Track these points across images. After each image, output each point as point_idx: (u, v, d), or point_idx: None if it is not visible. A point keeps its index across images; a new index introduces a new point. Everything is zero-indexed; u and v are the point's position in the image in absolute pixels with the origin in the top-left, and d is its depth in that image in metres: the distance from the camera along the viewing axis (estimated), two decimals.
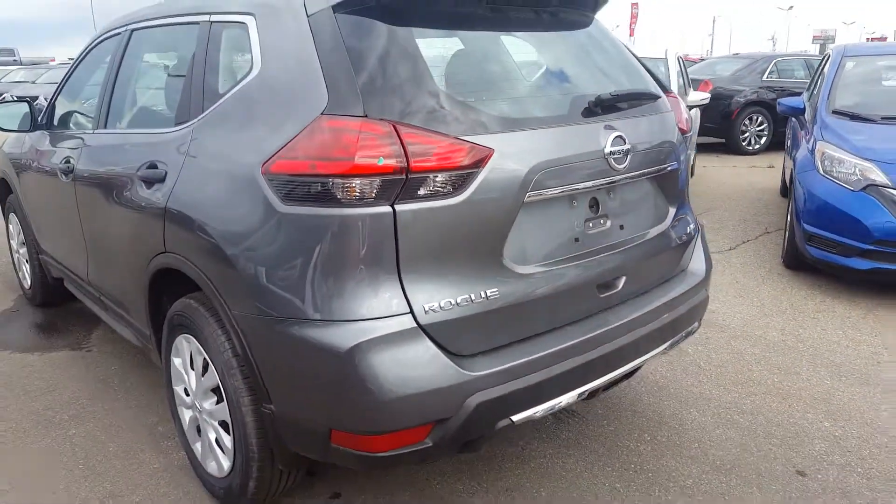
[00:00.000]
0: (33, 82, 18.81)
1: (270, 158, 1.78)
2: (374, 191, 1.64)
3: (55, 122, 3.48)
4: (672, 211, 2.43)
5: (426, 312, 1.71)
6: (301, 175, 1.70)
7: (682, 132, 2.49)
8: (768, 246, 5.45)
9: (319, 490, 2.39)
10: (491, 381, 1.77)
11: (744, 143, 10.44)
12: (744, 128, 10.41)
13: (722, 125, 10.36)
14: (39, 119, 3.52)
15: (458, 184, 1.73)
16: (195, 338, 2.14)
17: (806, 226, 4.40)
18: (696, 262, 2.58)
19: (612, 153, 2.04)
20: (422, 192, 1.69)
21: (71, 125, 3.38)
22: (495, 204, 1.79)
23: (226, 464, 2.17)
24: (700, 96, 6.69)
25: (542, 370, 1.87)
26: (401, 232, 1.67)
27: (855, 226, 4.11)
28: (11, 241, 4.40)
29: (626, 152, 2.09)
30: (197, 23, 2.36)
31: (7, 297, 4.45)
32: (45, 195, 3.48)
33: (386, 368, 1.65)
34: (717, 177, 8.71)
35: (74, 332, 3.83)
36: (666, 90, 2.59)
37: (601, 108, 2.09)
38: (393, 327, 1.67)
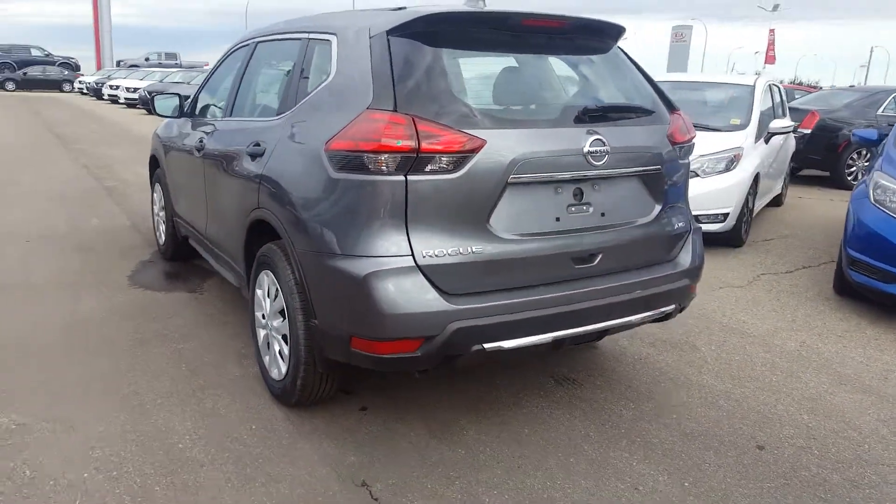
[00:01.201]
0: (188, 83, 21.14)
1: (331, 139, 2.47)
2: (394, 164, 2.29)
3: (196, 112, 4.41)
4: (657, 207, 2.90)
5: (423, 256, 2.33)
6: (348, 151, 2.38)
7: (676, 143, 2.95)
8: (827, 273, 5.57)
9: (351, 405, 3.05)
10: (468, 314, 2.36)
11: (849, 178, 10.18)
12: (850, 162, 10.16)
13: (827, 158, 10.16)
14: (185, 109, 4.47)
15: (457, 164, 2.34)
16: (272, 272, 2.87)
17: (850, 251, 4.58)
18: (684, 256, 3.03)
19: (590, 153, 2.57)
20: (428, 168, 2.32)
21: (207, 114, 4.29)
22: (484, 181, 2.39)
23: (283, 368, 2.88)
24: (781, 124, 6.83)
25: (513, 314, 2.44)
26: (410, 196, 2.31)
27: None
28: (154, 207, 5.46)
29: (605, 153, 2.61)
30: (299, 38, 3.13)
31: (146, 250, 5.51)
32: (181, 168, 4.42)
33: (389, 292, 2.29)
34: (808, 208, 8.65)
35: (192, 280, 4.77)
36: (672, 108, 3.06)
37: (588, 116, 2.64)
38: (398, 263, 2.31)
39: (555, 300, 2.55)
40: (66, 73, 35.95)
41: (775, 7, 39.95)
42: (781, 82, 11.26)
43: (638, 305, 2.80)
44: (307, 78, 2.94)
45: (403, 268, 2.32)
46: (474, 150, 2.37)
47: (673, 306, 2.96)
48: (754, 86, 7.10)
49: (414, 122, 2.31)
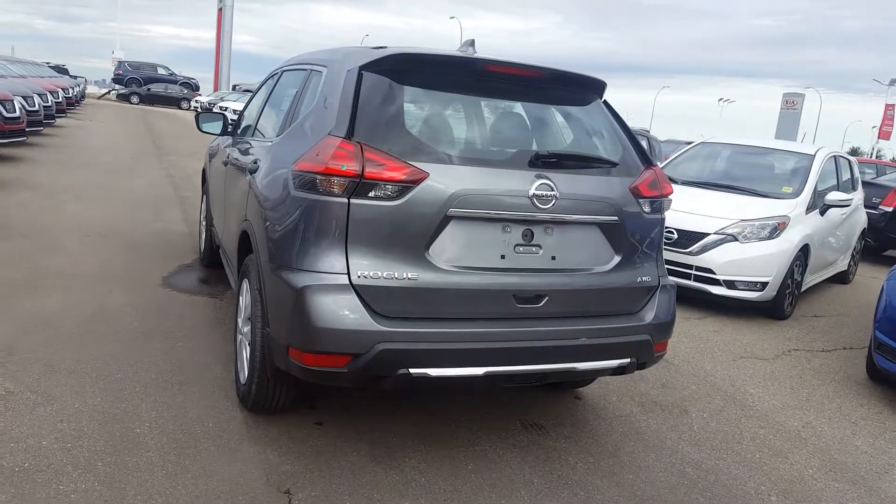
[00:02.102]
0: None
1: (297, 160, 2.64)
2: (339, 187, 2.42)
3: (238, 131, 4.75)
4: (616, 258, 2.88)
5: (359, 276, 2.43)
6: (304, 171, 2.54)
7: (642, 196, 2.93)
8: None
9: (308, 419, 3.15)
10: (397, 337, 2.43)
11: None
12: None
13: None
14: (228, 128, 4.82)
15: (399, 192, 2.45)
16: (248, 281, 3.05)
17: (878, 333, 4.29)
18: (647, 311, 2.97)
19: (536, 195, 2.61)
20: (371, 193, 2.43)
21: (242, 134, 4.62)
22: (423, 212, 2.47)
23: (246, 373, 3.03)
24: (838, 197, 6.50)
25: (444, 343, 2.48)
26: (351, 218, 2.43)
27: None
28: (200, 216, 5.85)
29: (553, 198, 2.64)
30: (305, 69, 3.36)
31: (189, 256, 5.89)
32: (216, 181, 4.76)
33: (321, 306, 2.40)
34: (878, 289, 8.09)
35: (218, 286, 5.05)
36: (648, 163, 3.05)
37: (542, 161, 2.69)
38: (333, 280, 2.42)
39: (491, 335, 2.57)
40: (186, 91, 38.87)
41: (893, 82, 37.91)
42: (879, 157, 10.64)
43: (583, 353, 2.77)
44: (301, 104, 3.15)
45: (338, 285, 2.42)
46: (416, 182, 2.47)
47: (628, 360, 2.89)
48: (814, 155, 6.82)
49: (362, 149, 2.44)
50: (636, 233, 2.95)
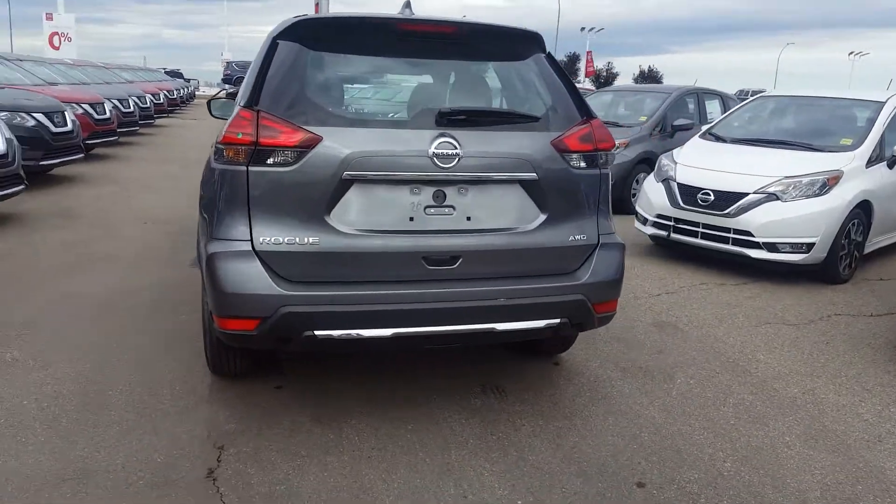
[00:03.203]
0: None
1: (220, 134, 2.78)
2: (238, 155, 2.53)
3: None
4: (542, 217, 2.80)
5: (261, 242, 2.54)
6: (217, 143, 2.67)
7: (569, 150, 2.82)
8: None
9: (270, 383, 3.32)
10: (300, 300, 2.52)
11: None
12: None
13: None
14: None
15: (294, 157, 2.52)
16: None
17: None
18: (583, 271, 2.87)
19: (436, 154, 2.58)
20: (269, 160, 2.52)
21: None
22: (319, 176, 2.53)
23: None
24: None
25: (348, 305, 2.54)
26: (251, 185, 2.53)
27: None
28: None
29: (456, 156, 2.60)
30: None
31: None
32: None
33: (228, 272, 2.53)
34: None
35: None
36: (590, 116, 2.92)
37: (448, 119, 2.65)
38: (237, 247, 2.55)
39: (398, 297, 2.59)
40: None
41: None
42: None
43: (503, 314, 2.72)
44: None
45: (242, 251, 2.54)
46: (310, 146, 2.52)
47: (558, 321, 2.81)
48: (884, 103, 6.14)
49: (258, 117, 2.53)
50: (565, 189, 2.85)
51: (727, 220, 5.57)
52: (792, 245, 5.38)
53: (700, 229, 5.78)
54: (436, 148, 2.60)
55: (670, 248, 6.32)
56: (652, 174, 6.53)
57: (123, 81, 16.33)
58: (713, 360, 3.90)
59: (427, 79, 3.12)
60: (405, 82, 3.06)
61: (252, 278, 2.52)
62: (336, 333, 2.56)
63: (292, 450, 2.75)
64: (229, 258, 2.54)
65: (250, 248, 2.54)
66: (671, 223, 5.98)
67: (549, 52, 3.07)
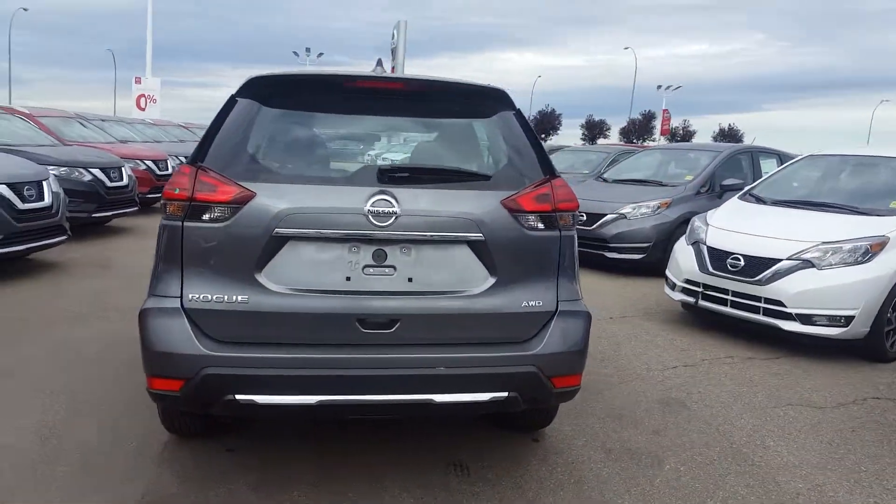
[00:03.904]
0: None
1: None
2: (176, 210, 2.52)
3: None
4: (490, 280, 2.63)
5: (190, 299, 2.49)
6: (162, 198, 2.67)
7: (522, 211, 2.67)
8: None
9: (217, 447, 3.22)
10: (222, 361, 2.43)
11: None
12: None
13: None
14: None
15: (228, 213, 2.48)
16: None
17: None
18: (537, 340, 2.66)
19: (371, 212, 2.49)
20: (205, 216, 2.50)
21: None
22: (251, 232, 2.48)
23: None
24: None
25: (272, 369, 2.43)
26: (185, 241, 2.51)
27: None
28: None
29: (393, 214, 2.50)
30: None
31: None
32: None
33: (155, 330, 2.49)
34: None
35: None
36: (553, 175, 2.77)
37: (388, 176, 2.58)
38: (167, 304, 2.51)
39: (326, 362, 2.47)
40: None
41: None
42: None
43: (442, 384, 2.54)
44: None
45: (170, 308, 2.49)
46: (243, 202, 2.48)
47: (506, 394, 2.60)
48: None
49: (197, 172, 2.52)
50: (518, 252, 2.68)
51: (758, 287, 5.17)
52: (829, 318, 4.91)
53: (729, 297, 5.39)
54: (371, 205, 2.51)
55: (702, 317, 5.93)
56: (684, 236, 6.20)
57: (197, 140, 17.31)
58: (714, 444, 3.53)
59: (375, 136, 3.07)
60: (353, 139, 3.01)
61: (177, 336, 2.47)
62: (258, 399, 2.45)
63: None
64: (157, 315, 2.50)
65: (178, 306, 2.50)
66: (700, 289, 5.62)
67: (517, 110, 2.95)
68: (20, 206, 6.13)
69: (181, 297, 2.51)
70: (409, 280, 2.58)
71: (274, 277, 2.51)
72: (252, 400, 2.45)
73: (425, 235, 2.57)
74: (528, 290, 2.69)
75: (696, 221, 6.08)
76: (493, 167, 2.80)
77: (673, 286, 5.96)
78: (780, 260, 5.12)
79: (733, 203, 6.37)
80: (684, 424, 3.78)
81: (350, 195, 2.54)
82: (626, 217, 8.24)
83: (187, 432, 3.20)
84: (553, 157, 13.61)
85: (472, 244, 2.62)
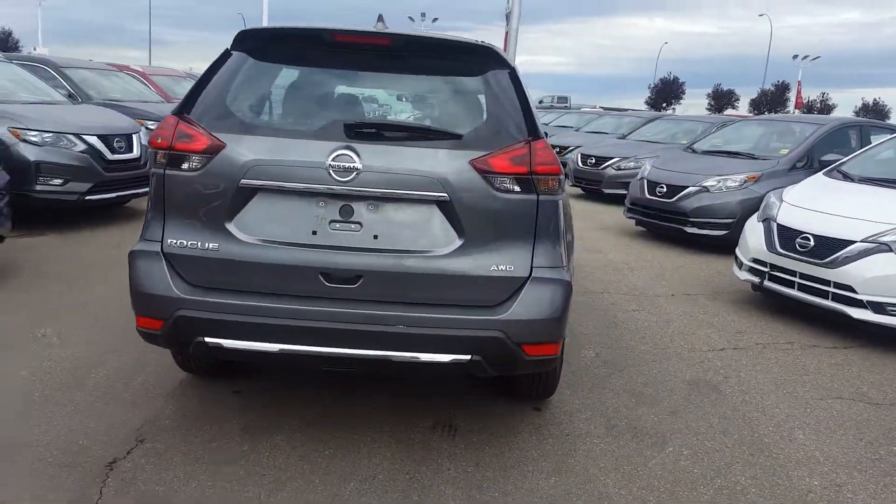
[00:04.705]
0: (576, 129, 17.18)
1: None
2: (161, 159, 2.63)
3: None
4: (458, 242, 2.56)
5: (169, 244, 2.61)
6: (149, 147, 2.79)
7: (491, 172, 2.57)
8: None
9: (226, 388, 3.38)
10: (195, 305, 2.54)
11: None
12: None
13: None
14: None
15: (202, 162, 2.56)
16: None
17: None
18: (506, 305, 2.57)
19: (332, 166, 2.47)
20: (184, 165, 2.59)
21: None
22: (220, 182, 2.54)
23: None
24: None
25: (238, 315, 2.51)
26: (167, 189, 2.62)
27: None
28: None
29: (354, 170, 2.47)
30: None
31: None
32: None
33: (140, 272, 2.63)
34: None
35: None
36: (537, 137, 2.63)
37: (356, 132, 2.55)
38: (150, 247, 2.64)
39: (289, 312, 2.51)
40: None
41: None
42: None
43: (401, 342, 2.51)
44: None
45: (152, 252, 2.62)
46: (214, 152, 2.54)
47: (468, 357, 2.54)
48: None
49: (178, 123, 2.61)
50: (489, 214, 2.58)
51: (827, 270, 4.70)
52: None
53: (797, 279, 4.94)
54: (332, 160, 2.50)
55: (776, 300, 5.46)
56: (757, 213, 5.73)
57: None
58: (733, 432, 3.29)
59: (355, 91, 3.03)
60: (332, 94, 2.97)
61: (156, 279, 2.60)
62: (224, 343, 2.55)
63: (200, 455, 2.78)
64: (142, 257, 2.64)
65: (159, 249, 2.63)
66: (766, 269, 5.19)
67: (512, 69, 2.82)
68: (109, 156, 6.57)
69: (162, 241, 2.63)
70: (375, 237, 2.56)
71: (243, 227, 2.58)
72: (219, 343, 2.55)
73: (390, 193, 2.53)
74: (498, 253, 2.59)
75: (772, 197, 5.60)
76: (470, 126, 2.70)
77: (740, 265, 5.54)
78: (853, 242, 4.62)
79: (816, 179, 5.80)
80: (708, 408, 3.54)
81: (313, 149, 2.54)
82: (708, 190, 7.73)
83: (199, 372, 3.39)
84: (650, 127, 12.99)
85: (440, 204, 2.56)
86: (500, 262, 2.59)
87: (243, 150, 2.56)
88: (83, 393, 3.23)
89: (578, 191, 12.43)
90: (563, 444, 3.07)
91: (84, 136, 6.40)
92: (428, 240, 2.58)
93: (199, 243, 2.59)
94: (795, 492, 2.79)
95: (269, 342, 2.54)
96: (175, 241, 2.61)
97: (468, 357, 2.55)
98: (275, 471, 2.70)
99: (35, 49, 36.14)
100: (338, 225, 2.57)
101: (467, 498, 2.61)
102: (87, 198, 6.40)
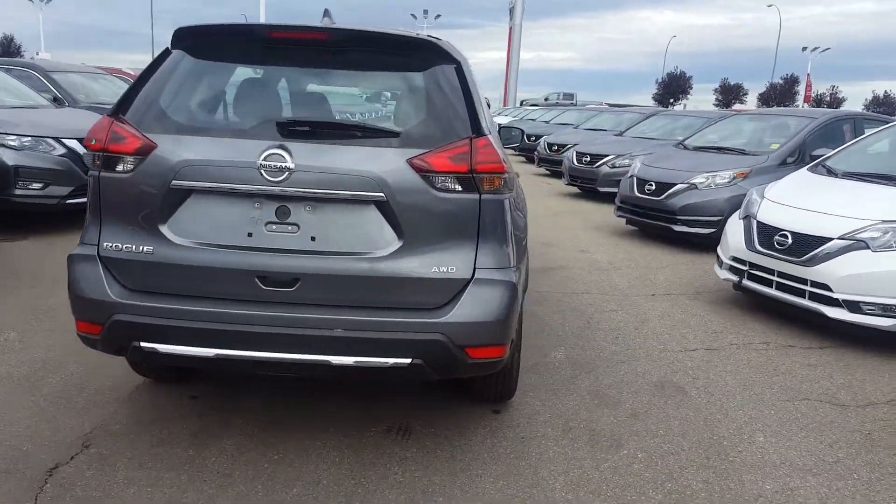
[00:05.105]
0: (575, 127, 16.92)
1: None
2: (96, 161, 2.62)
3: None
4: (397, 243, 2.53)
5: (105, 248, 2.60)
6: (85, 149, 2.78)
7: (430, 171, 2.53)
8: None
9: (182, 392, 3.37)
10: (129, 309, 2.52)
11: None
12: None
13: None
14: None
15: (135, 164, 2.55)
16: None
17: None
18: (448, 308, 2.54)
19: (263, 166, 2.45)
20: (117, 167, 2.58)
21: None
22: (152, 184, 2.53)
23: None
24: None
25: (173, 320, 2.49)
26: (102, 191, 2.61)
27: None
28: None
29: (286, 169, 2.45)
30: None
31: None
32: None
33: (76, 275, 2.62)
34: None
35: None
36: (479, 134, 2.60)
37: (289, 130, 2.53)
38: (87, 251, 2.63)
39: (225, 316, 2.49)
40: None
41: None
42: None
43: (339, 346, 2.49)
44: None
45: (88, 255, 2.62)
46: (146, 153, 2.53)
47: (409, 361, 2.51)
48: None
49: (112, 124, 2.59)
50: (426, 215, 2.54)
51: (803, 269, 4.64)
52: (882, 307, 4.32)
53: (775, 278, 4.88)
54: (263, 159, 2.47)
55: (757, 300, 5.40)
56: (738, 210, 5.67)
57: None
58: (692, 434, 3.24)
59: (291, 89, 2.98)
60: (267, 92, 2.94)
61: (92, 283, 2.59)
62: (160, 347, 2.53)
63: (144, 460, 2.77)
64: (79, 261, 2.63)
65: (95, 253, 2.61)
66: (745, 268, 5.13)
67: (458, 63, 2.78)
68: None
69: (98, 245, 2.62)
70: (312, 239, 2.54)
71: (177, 230, 2.56)
72: (154, 348, 2.53)
73: (324, 193, 2.51)
74: (438, 255, 2.56)
75: (753, 194, 5.54)
76: (409, 124, 2.67)
77: (720, 264, 5.49)
78: (830, 239, 4.56)
79: (799, 174, 5.73)
80: (670, 410, 3.50)
81: (245, 148, 2.51)
82: (696, 188, 7.66)
83: (155, 378, 3.39)
84: (647, 123, 12.80)
85: (377, 205, 2.53)
86: (442, 264, 2.56)
87: (174, 150, 2.53)
88: (36, 397, 3.23)
89: (574, 189, 12.37)
90: (516, 446, 3.04)
91: (63, 140, 6.40)
92: (366, 241, 2.55)
93: (134, 246, 2.57)
94: (746, 496, 2.75)
95: (205, 347, 2.52)
96: (111, 245, 2.60)
97: (409, 361, 2.52)
98: (218, 476, 2.69)
99: (37, 54, 36.37)
100: (274, 227, 2.54)
101: (410, 502, 2.59)
102: (69, 201, 6.40)
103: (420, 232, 2.55)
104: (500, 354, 2.67)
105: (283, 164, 2.47)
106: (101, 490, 2.55)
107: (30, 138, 6.21)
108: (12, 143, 6.12)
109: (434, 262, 2.55)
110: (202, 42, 2.78)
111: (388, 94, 2.88)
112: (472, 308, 2.55)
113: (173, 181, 2.52)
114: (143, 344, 2.54)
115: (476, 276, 2.59)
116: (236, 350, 2.52)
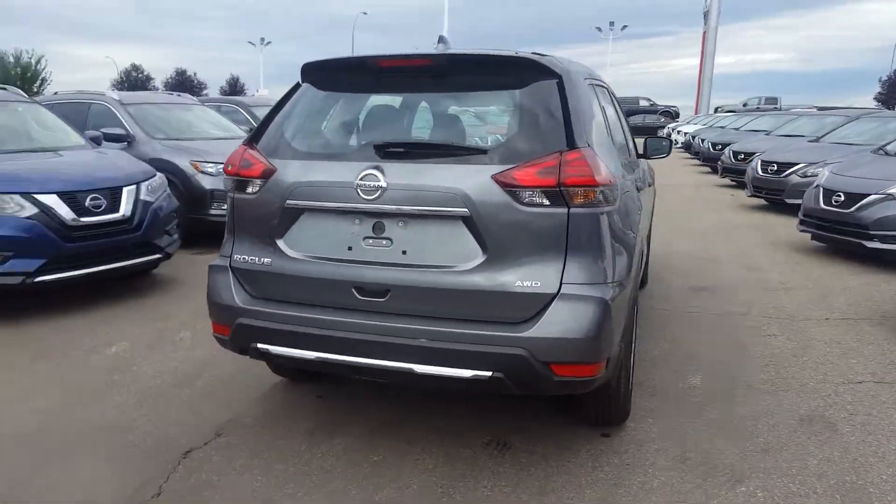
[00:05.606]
0: (767, 133, 14.96)
1: None
2: (231, 185, 2.98)
3: None
4: (481, 257, 2.55)
5: (236, 260, 2.95)
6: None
7: (515, 186, 2.53)
8: None
9: (310, 391, 3.66)
10: (252, 314, 2.84)
11: None
12: None
13: None
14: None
15: (259, 186, 2.88)
16: None
17: None
18: (532, 323, 2.52)
19: (359, 186, 2.63)
20: (248, 189, 2.92)
21: None
22: (271, 203, 2.83)
23: None
24: None
25: (285, 324, 2.76)
26: (236, 210, 2.98)
27: None
28: None
29: (379, 188, 2.60)
30: None
31: None
32: None
33: (212, 283, 3.01)
34: None
35: None
36: (573, 148, 2.56)
37: (383, 152, 2.70)
38: (222, 262, 3.01)
39: (325, 323, 2.69)
40: (663, 120, 40.04)
41: None
42: None
43: (423, 356, 2.56)
44: None
45: (223, 266, 2.99)
46: (268, 176, 2.84)
47: (489, 374, 2.51)
48: None
49: (245, 151, 2.95)
50: (511, 229, 2.54)
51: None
52: None
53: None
54: (360, 179, 2.66)
55: None
56: None
57: None
58: (830, 476, 2.84)
59: (393, 112, 3.16)
60: (373, 117, 3.13)
61: (223, 290, 2.95)
62: (272, 349, 2.80)
63: (261, 451, 3.06)
64: (216, 271, 3.02)
65: (228, 264, 2.98)
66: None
67: (559, 77, 2.76)
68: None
69: (230, 256, 2.98)
70: (404, 252, 2.66)
71: (291, 244, 2.83)
72: (268, 349, 2.81)
73: (412, 209, 2.62)
74: (523, 269, 2.54)
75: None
76: (499, 140, 2.71)
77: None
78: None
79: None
80: (812, 448, 3.10)
81: (346, 170, 2.71)
82: (894, 198, 6.66)
83: (292, 377, 3.73)
84: (850, 126, 11.52)
85: (463, 220, 2.58)
86: (526, 278, 2.54)
87: (289, 173, 2.83)
88: (192, 389, 3.71)
89: (760, 202, 11.34)
90: (619, 473, 2.90)
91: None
92: (452, 255, 2.62)
93: (258, 259, 2.89)
94: None
95: (308, 350, 2.75)
96: (240, 257, 2.95)
97: (489, 374, 2.53)
98: (320, 472, 2.89)
99: (258, 91, 41.37)
100: (370, 241, 2.71)
101: None
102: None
103: (504, 246, 2.56)
104: (591, 373, 2.58)
105: (377, 184, 2.64)
106: (220, 474, 2.87)
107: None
108: (210, 170, 7.09)
109: (518, 277, 2.55)
110: (324, 75, 3.09)
111: (486, 113, 2.99)
112: (556, 324, 2.50)
113: (287, 201, 2.81)
114: (259, 345, 2.84)
115: (562, 290, 2.53)
116: (333, 354, 2.71)
